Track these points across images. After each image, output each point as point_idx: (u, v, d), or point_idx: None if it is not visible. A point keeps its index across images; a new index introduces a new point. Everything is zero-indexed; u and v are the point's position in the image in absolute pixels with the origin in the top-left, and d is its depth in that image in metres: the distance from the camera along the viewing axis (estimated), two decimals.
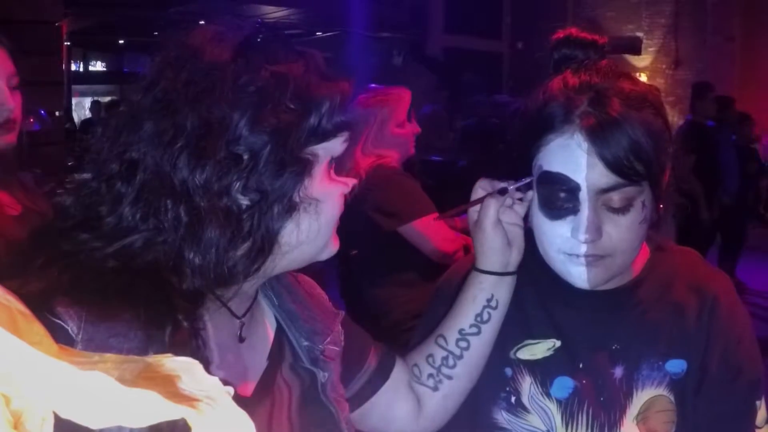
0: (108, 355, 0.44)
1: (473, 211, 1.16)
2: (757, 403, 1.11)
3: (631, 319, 1.13)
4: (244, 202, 0.82)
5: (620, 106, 1.01)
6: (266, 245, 0.85)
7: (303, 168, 0.86)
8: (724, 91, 7.93)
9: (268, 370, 0.96)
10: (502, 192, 1.13)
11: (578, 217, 1.03)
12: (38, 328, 0.43)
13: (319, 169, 0.89)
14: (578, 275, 1.06)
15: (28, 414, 0.41)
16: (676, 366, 1.11)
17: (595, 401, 1.12)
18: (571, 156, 1.02)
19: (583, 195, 1.02)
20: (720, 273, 1.21)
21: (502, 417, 1.15)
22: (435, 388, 1.16)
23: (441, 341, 1.16)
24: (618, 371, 1.12)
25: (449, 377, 1.15)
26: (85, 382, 0.40)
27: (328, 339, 1.03)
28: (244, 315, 0.94)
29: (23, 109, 1.66)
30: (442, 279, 1.28)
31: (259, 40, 0.86)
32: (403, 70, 10.92)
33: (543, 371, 1.14)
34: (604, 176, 1.01)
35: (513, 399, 1.15)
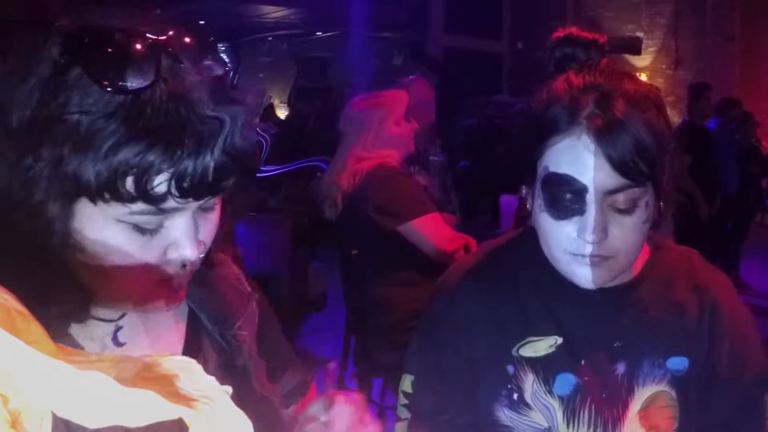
0: (106, 354, 0.44)
1: None
2: (766, 396, 1.12)
3: (632, 316, 1.14)
4: None
5: (625, 107, 1.01)
6: None
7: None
8: (724, 91, 7.94)
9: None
10: None
11: (585, 218, 1.03)
12: (36, 327, 0.42)
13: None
14: (583, 275, 1.06)
15: (26, 413, 0.40)
16: (677, 363, 1.12)
17: (598, 398, 1.12)
18: (578, 157, 1.02)
19: (590, 196, 1.02)
20: (719, 272, 1.22)
21: (504, 414, 1.15)
22: None
23: None
24: (620, 368, 1.12)
25: None
26: (83, 382, 0.40)
27: (239, 323, 0.98)
28: (120, 317, 0.85)
29: None
30: (442, 278, 1.28)
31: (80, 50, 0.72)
32: (403, 71, 10.93)
33: (545, 368, 1.14)
34: (610, 177, 1.01)
35: (515, 396, 1.14)
